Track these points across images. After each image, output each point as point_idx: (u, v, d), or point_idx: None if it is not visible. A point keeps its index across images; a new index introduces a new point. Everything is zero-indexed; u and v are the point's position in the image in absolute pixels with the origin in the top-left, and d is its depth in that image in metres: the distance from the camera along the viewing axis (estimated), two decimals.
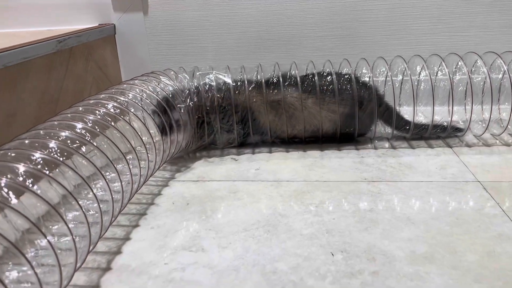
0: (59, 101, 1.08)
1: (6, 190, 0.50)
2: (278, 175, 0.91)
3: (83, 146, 0.64)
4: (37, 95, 1.00)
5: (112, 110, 0.76)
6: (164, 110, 0.89)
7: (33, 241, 0.52)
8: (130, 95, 0.86)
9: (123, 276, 0.62)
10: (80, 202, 0.57)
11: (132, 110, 0.81)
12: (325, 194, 0.82)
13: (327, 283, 0.59)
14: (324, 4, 1.26)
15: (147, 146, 0.80)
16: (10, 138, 0.63)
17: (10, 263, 0.49)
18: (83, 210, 0.57)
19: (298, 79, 1.00)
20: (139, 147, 0.78)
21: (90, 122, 0.70)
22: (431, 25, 1.25)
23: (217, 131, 1.01)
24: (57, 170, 0.59)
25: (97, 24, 1.34)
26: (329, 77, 1.00)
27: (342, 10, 1.26)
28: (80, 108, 0.75)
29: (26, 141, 0.61)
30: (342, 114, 1.00)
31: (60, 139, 0.63)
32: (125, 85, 0.91)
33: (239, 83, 1.01)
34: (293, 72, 1.04)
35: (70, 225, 0.54)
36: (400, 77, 1.03)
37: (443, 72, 1.01)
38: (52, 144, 0.61)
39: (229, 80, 1.01)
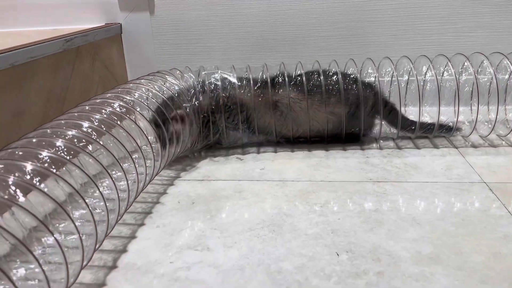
0: (66, 100, 1.08)
1: (14, 188, 0.51)
2: (283, 174, 0.91)
3: (90, 145, 0.65)
4: (43, 94, 1.00)
5: (118, 109, 0.77)
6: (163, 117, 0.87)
7: (40, 239, 0.53)
8: (136, 94, 0.86)
9: (128, 274, 0.63)
10: (86, 201, 0.57)
11: (138, 109, 0.81)
12: (330, 194, 0.82)
13: (332, 283, 0.59)
14: (328, 4, 1.26)
15: (153, 145, 0.81)
16: (17, 137, 0.64)
17: (17, 260, 0.49)
18: (90, 208, 0.57)
19: (304, 79, 1.00)
20: (145, 146, 0.78)
21: (97, 121, 0.70)
22: (439, 25, 1.25)
23: (222, 131, 1.01)
24: (64, 168, 0.59)
25: (104, 24, 1.34)
26: (323, 76, 1.00)
27: (347, 10, 1.26)
28: (87, 107, 0.76)
29: (34, 140, 0.62)
30: (339, 115, 1.00)
31: (67, 138, 0.63)
32: (131, 85, 0.91)
33: (244, 82, 1.01)
34: (298, 71, 1.04)
35: (76, 223, 0.54)
36: (406, 77, 1.03)
37: (449, 73, 1.01)
38: (59, 142, 0.61)
39: (234, 80, 1.01)
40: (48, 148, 0.59)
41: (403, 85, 1.03)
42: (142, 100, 0.85)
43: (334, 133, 1.03)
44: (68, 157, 0.60)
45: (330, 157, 0.99)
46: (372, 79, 1.02)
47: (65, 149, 0.61)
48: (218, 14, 1.31)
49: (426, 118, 1.03)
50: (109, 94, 0.84)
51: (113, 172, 0.67)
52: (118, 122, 0.73)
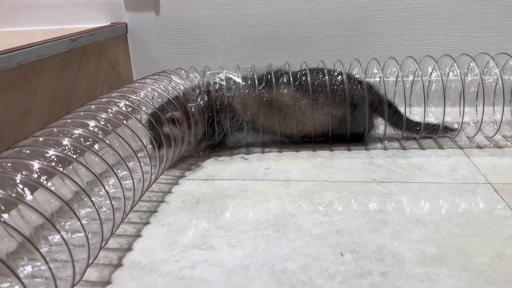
0: (72, 99, 1.09)
1: (21, 186, 0.51)
2: (287, 174, 0.91)
3: (96, 144, 0.65)
4: (50, 94, 1.01)
5: (124, 108, 0.77)
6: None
7: (46, 237, 0.53)
8: (141, 93, 0.87)
9: (134, 272, 0.63)
10: (92, 199, 0.58)
11: (144, 108, 0.82)
12: (335, 194, 0.82)
13: (336, 283, 0.59)
14: (333, 4, 1.26)
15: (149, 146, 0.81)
16: (24, 135, 0.64)
17: (24, 258, 0.50)
18: (96, 207, 0.58)
19: (310, 79, 1.00)
20: (150, 145, 0.79)
21: (103, 120, 0.70)
22: (445, 25, 1.24)
23: (227, 130, 1.01)
24: (70, 167, 0.60)
25: (109, 23, 1.35)
26: (323, 75, 1.00)
27: (352, 10, 1.26)
28: (93, 106, 0.76)
29: (40, 139, 0.62)
30: (336, 116, 1.00)
31: (73, 136, 0.64)
32: (136, 84, 0.91)
33: (249, 82, 1.01)
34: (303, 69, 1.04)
35: (83, 222, 0.55)
36: (411, 78, 1.03)
37: (455, 73, 1.01)
38: (66, 141, 0.62)
39: (239, 80, 1.01)
40: (55, 146, 0.60)
41: (408, 86, 1.03)
42: (148, 100, 0.86)
43: (335, 134, 1.03)
44: (74, 156, 0.60)
45: (335, 157, 0.99)
46: (376, 79, 1.02)
47: (71, 148, 0.61)
48: (223, 14, 1.31)
49: (431, 119, 1.03)
50: (115, 94, 0.84)
51: (119, 171, 0.67)
52: (124, 121, 0.74)
